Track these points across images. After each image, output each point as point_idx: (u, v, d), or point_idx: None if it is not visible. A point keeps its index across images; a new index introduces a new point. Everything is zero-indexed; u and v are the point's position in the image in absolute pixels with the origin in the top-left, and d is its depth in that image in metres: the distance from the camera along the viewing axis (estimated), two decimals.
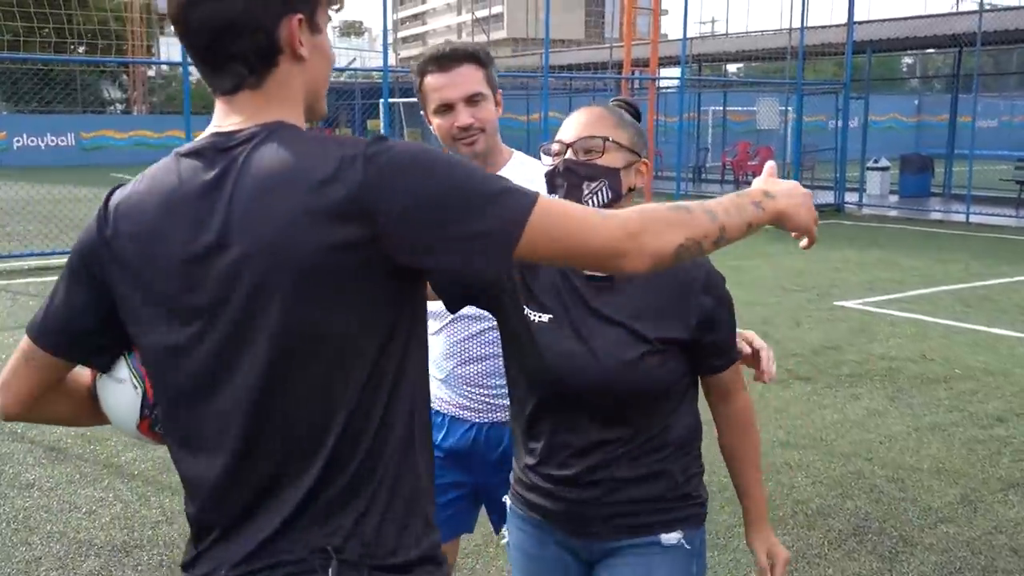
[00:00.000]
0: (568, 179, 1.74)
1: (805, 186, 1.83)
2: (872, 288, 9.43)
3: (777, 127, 19.32)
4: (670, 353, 1.74)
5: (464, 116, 2.21)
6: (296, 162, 1.19)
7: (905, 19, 20.34)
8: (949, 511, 4.09)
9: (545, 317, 1.75)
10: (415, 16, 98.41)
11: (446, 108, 2.22)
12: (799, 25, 17.45)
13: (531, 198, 1.21)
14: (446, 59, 2.23)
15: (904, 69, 42.14)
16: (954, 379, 6.14)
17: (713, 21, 50.86)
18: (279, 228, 1.17)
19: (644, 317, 1.73)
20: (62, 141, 28.02)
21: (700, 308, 1.75)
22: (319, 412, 1.23)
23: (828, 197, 17.79)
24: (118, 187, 1.33)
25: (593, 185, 1.73)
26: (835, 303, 8.62)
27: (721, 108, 26.26)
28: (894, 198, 18.74)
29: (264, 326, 1.20)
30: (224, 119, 1.28)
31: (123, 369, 1.37)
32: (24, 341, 1.36)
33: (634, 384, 1.72)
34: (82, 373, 1.41)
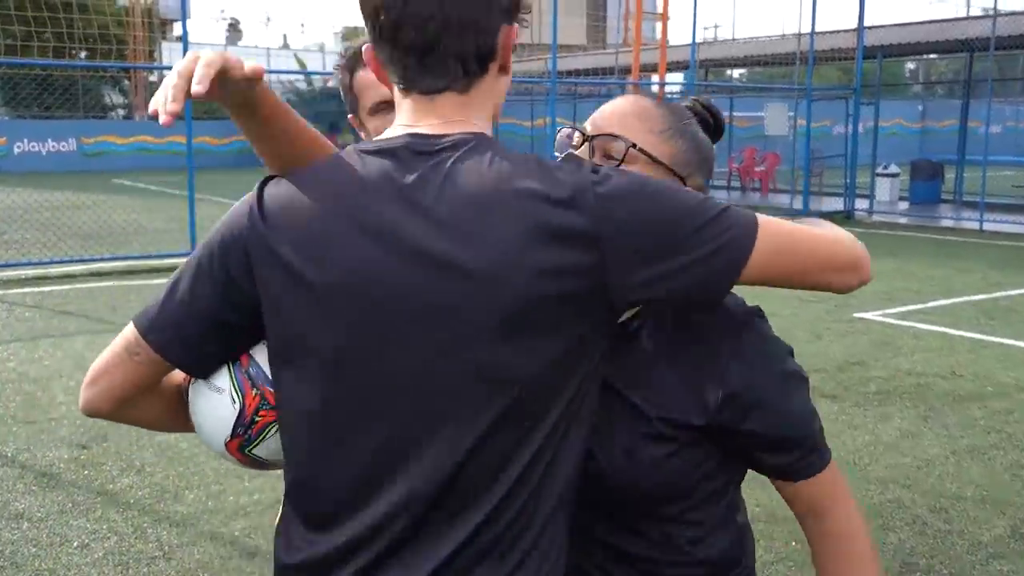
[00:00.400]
0: None
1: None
2: (891, 299, 9.17)
3: (786, 133, 19.09)
4: (683, 440, 1.25)
5: None
6: (522, 179, 1.08)
7: (916, 24, 20.10)
8: (1000, 546, 3.83)
9: None
10: None
11: (386, 106, 1.89)
12: (808, 30, 17.20)
13: (752, 215, 1.13)
14: None
15: (907, 74, 41.88)
16: (987, 397, 5.88)
17: (716, 27, 50.77)
18: (497, 245, 1.04)
19: (649, 386, 1.25)
20: (63, 146, 27.86)
21: (722, 380, 1.24)
22: (495, 457, 1.08)
23: (837, 204, 17.56)
24: (270, 179, 1.19)
25: None
26: (855, 315, 8.37)
27: (727, 114, 26.05)
28: (904, 205, 18.48)
29: (452, 353, 1.07)
30: (417, 119, 1.15)
31: (224, 378, 1.23)
32: (130, 332, 1.20)
33: (632, 478, 1.24)
34: (175, 373, 1.27)
